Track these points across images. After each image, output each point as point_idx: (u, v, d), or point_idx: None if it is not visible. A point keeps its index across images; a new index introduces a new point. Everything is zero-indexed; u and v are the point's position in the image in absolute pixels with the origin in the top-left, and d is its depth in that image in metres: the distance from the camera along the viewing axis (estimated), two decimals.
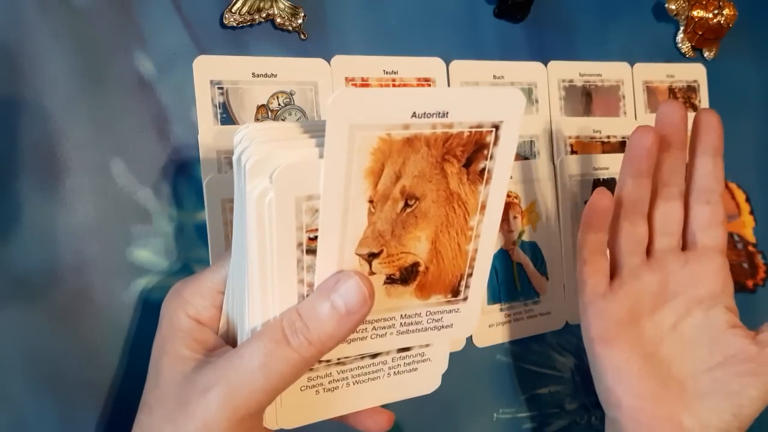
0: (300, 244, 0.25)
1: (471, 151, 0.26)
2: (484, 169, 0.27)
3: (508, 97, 0.26)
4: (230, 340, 0.30)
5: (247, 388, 0.25)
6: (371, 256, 0.27)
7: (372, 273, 0.27)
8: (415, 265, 0.28)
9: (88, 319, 0.33)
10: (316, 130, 0.26)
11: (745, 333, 0.37)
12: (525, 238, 0.45)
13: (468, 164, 0.27)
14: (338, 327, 0.26)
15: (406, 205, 0.26)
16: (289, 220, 0.25)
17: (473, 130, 0.26)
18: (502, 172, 0.27)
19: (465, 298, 0.30)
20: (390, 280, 0.28)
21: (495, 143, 0.26)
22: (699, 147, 0.39)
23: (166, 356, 0.28)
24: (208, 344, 0.29)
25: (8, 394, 0.31)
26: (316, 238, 0.25)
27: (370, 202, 0.26)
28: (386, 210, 0.26)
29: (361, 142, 0.24)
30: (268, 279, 0.26)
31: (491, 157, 0.27)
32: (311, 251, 0.26)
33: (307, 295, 0.27)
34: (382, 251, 0.27)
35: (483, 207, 0.28)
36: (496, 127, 0.26)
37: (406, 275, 0.28)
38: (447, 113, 0.25)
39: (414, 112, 0.24)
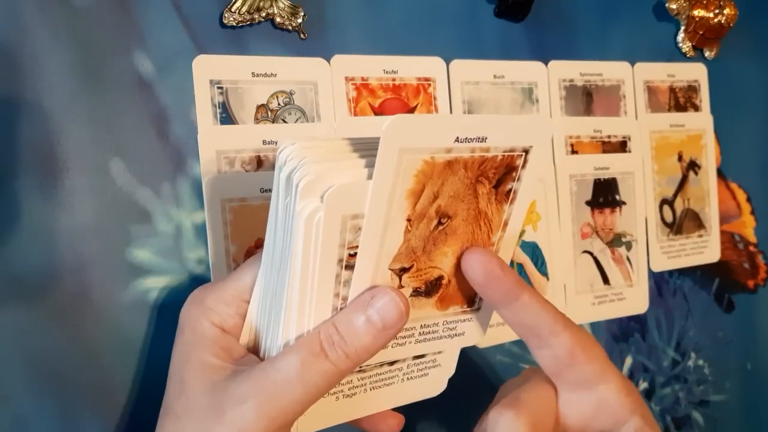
0: (341, 260, 0.26)
1: (502, 173, 0.28)
2: (510, 190, 0.28)
3: (540, 124, 0.28)
4: (252, 349, 0.30)
5: (284, 400, 0.26)
6: (402, 271, 0.28)
7: (401, 286, 0.28)
8: (440, 278, 0.29)
9: (87, 319, 0.33)
10: (362, 148, 0.27)
11: None
12: (525, 238, 0.45)
13: (498, 185, 0.28)
14: (374, 341, 0.27)
15: (439, 223, 0.27)
16: (334, 238, 0.25)
17: (506, 154, 0.27)
18: (526, 193, 0.29)
19: (478, 308, 0.31)
20: (415, 293, 0.29)
21: (524, 166, 0.28)
22: (492, 303, 0.30)
23: (191, 364, 0.28)
24: (234, 353, 0.29)
25: (7, 394, 0.31)
26: (355, 254, 0.26)
27: (408, 220, 0.27)
28: (421, 228, 0.27)
29: (407, 164, 0.25)
30: (307, 293, 0.26)
31: (519, 179, 0.28)
32: (349, 266, 0.26)
33: (341, 309, 0.27)
34: (412, 266, 0.28)
35: (505, 224, 0.29)
36: (526, 151, 0.27)
37: (431, 288, 0.29)
38: (485, 138, 0.26)
39: (457, 137, 0.25)
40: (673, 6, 0.50)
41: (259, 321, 0.29)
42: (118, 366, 0.34)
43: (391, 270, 0.27)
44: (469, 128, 0.26)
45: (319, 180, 0.25)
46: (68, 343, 0.33)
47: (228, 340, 0.29)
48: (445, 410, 0.42)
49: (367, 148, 0.27)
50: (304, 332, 0.27)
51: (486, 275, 0.28)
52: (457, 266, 0.29)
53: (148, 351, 0.30)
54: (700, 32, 0.51)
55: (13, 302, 0.32)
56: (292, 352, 0.26)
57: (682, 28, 0.51)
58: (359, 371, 0.30)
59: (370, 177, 0.25)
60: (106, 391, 0.34)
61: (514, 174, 0.28)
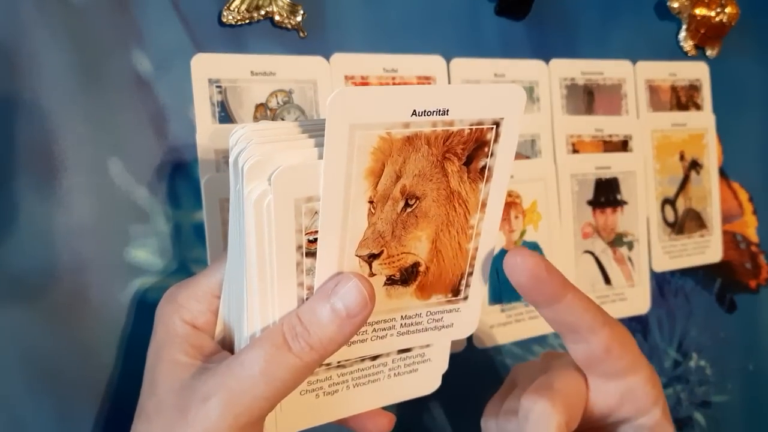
0: (299, 247, 0.25)
1: (471, 149, 0.26)
2: (484, 167, 0.27)
3: (509, 94, 0.26)
4: (227, 345, 0.29)
5: (248, 396, 0.25)
6: (371, 258, 0.26)
7: (372, 274, 0.27)
8: (416, 265, 0.28)
9: (85, 318, 0.33)
10: (314, 129, 0.26)
11: None
12: (526, 237, 0.44)
13: (468, 162, 0.26)
14: (339, 330, 0.26)
15: (407, 204, 0.26)
16: (288, 223, 0.24)
17: (474, 127, 0.25)
18: (503, 170, 0.27)
19: (465, 297, 0.30)
20: (390, 281, 0.28)
21: (496, 140, 0.26)
22: (534, 304, 0.30)
23: (162, 363, 0.28)
24: (205, 350, 0.28)
25: (5, 393, 0.31)
26: (315, 240, 0.25)
27: (370, 202, 0.25)
28: (386, 210, 0.26)
29: (360, 141, 0.23)
30: (267, 283, 0.25)
31: (492, 155, 0.26)
32: (311, 254, 0.25)
33: (307, 299, 0.26)
34: (382, 252, 0.26)
35: (483, 205, 0.28)
36: (497, 124, 0.26)
37: (407, 276, 0.28)
38: (447, 111, 0.24)
39: (414, 110, 0.24)
40: (675, 4, 0.50)
41: (229, 316, 0.29)
42: (115, 366, 0.34)
43: (359, 257, 0.26)
44: (427, 100, 0.24)
45: (266, 161, 0.23)
46: (66, 342, 0.32)
47: (199, 337, 0.28)
48: (445, 411, 0.42)
49: (319, 129, 0.25)
50: (269, 325, 0.26)
51: (532, 279, 0.27)
52: (434, 252, 0.28)
53: (145, 351, 0.29)
54: (702, 31, 0.51)
55: (10, 302, 0.31)
56: (255, 346, 0.26)
57: (684, 26, 0.51)
58: (339, 366, 0.29)
59: (321, 157, 0.23)
60: (104, 391, 0.33)
61: (486, 149, 0.26)
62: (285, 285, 0.26)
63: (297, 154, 0.24)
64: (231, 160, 0.25)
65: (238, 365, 0.25)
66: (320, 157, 0.24)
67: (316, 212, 0.24)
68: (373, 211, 0.25)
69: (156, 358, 0.28)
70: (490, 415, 0.33)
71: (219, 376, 0.25)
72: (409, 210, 0.26)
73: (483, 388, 0.43)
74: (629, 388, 0.30)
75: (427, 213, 0.27)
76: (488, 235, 0.28)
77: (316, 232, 0.25)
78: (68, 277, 0.32)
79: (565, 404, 0.29)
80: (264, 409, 0.25)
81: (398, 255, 0.27)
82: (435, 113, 0.24)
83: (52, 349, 0.32)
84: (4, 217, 0.31)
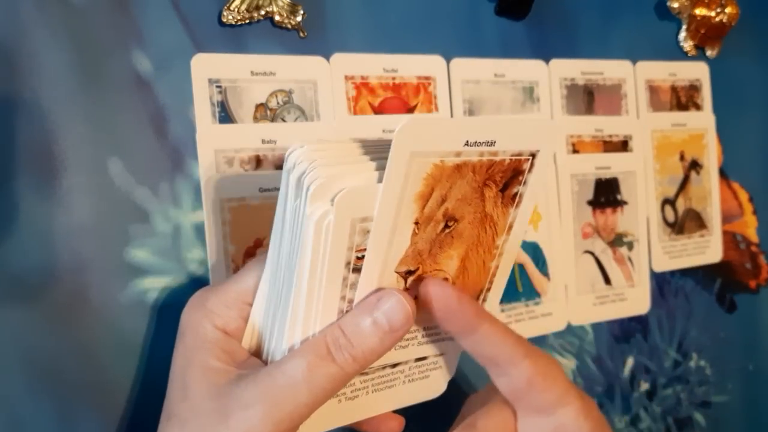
0: (348, 263, 0.26)
1: (509, 177, 0.28)
2: (516, 193, 0.28)
3: (546, 128, 0.28)
4: (255, 352, 0.30)
5: (290, 403, 0.25)
6: (408, 274, 0.28)
7: (407, 289, 0.28)
8: (444, 281, 0.29)
9: (85, 319, 0.33)
10: (372, 151, 0.27)
11: None
12: (526, 238, 0.44)
13: (504, 188, 0.28)
14: (381, 343, 0.27)
15: (446, 226, 0.28)
16: (343, 241, 0.25)
17: (514, 158, 0.27)
18: (531, 196, 0.29)
19: None
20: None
21: (530, 170, 0.28)
22: (452, 334, 0.30)
23: (194, 368, 0.28)
24: (237, 356, 0.28)
25: (5, 394, 0.31)
26: (362, 257, 0.26)
27: (416, 223, 0.27)
28: (428, 231, 0.27)
29: (417, 167, 0.25)
30: (314, 296, 0.26)
31: (525, 183, 0.28)
32: (356, 269, 0.26)
33: (347, 311, 0.27)
34: (418, 269, 0.28)
35: (510, 228, 0.29)
36: (533, 155, 0.28)
37: None
38: (494, 142, 0.26)
39: (467, 141, 0.25)
40: (675, 5, 0.50)
41: (263, 324, 0.29)
42: (116, 366, 0.33)
43: (397, 273, 0.27)
44: (479, 132, 0.26)
45: (329, 183, 0.25)
46: (66, 343, 0.32)
47: (231, 343, 0.29)
48: (445, 412, 0.42)
49: (376, 151, 0.27)
50: (309, 335, 0.27)
51: (442, 309, 0.28)
52: (461, 269, 0.29)
53: (147, 351, 0.29)
54: (702, 31, 0.51)
55: (10, 302, 0.31)
56: (298, 355, 0.26)
57: (684, 26, 0.51)
58: (362, 374, 0.30)
59: (380, 180, 0.25)
60: (104, 392, 0.33)
61: (520, 178, 0.28)
62: (329, 298, 0.27)
63: (358, 178, 0.25)
64: (291, 177, 0.26)
65: (280, 373, 0.26)
66: (379, 180, 0.25)
67: (367, 231, 0.26)
68: (416, 231, 0.27)
69: (186, 363, 0.28)
70: None
71: (261, 384, 0.26)
72: (447, 231, 0.28)
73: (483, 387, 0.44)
74: (560, 423, 0.29)
75: (462, 234, 0.28)
76: (509, 254, 0.30)
77: (365, 249, 0.26)
78: (68, 277, 0.32)
79: None
80: (303, 416, 0.26)
81: (431, 272, 0.28)
82: (484, 144, 0.26)
83: (52, 349, 0.32)
84: (4, 217, 0.31)
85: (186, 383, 0.27)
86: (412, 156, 0.24)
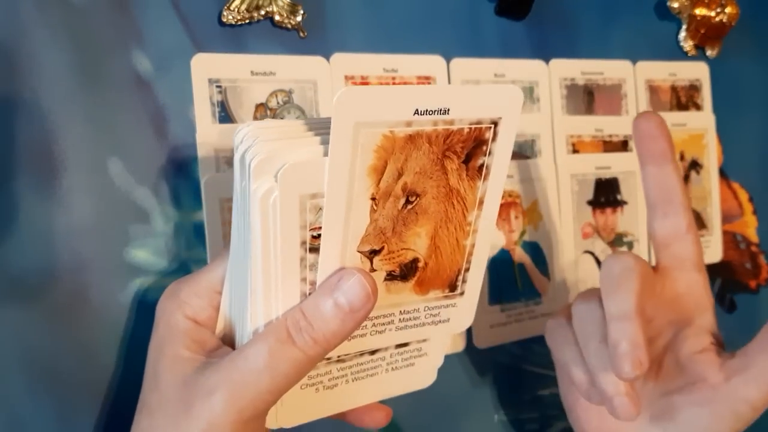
0: (303, 243, 0.25)
1: (470, 148, 0.27)
2: (482, 165, 0.27)
3: (507, 94, 0.26)
4: (228, 341, 0.29)
5: (252, 390, 0.25)
6: (372, 253, 0.27)
7: (373, 270, 0.27)
8: (415, 261, 0.28)
9: (85, 319, 0.33)
10: (318, 127, 0.26)
11: (712, 358, 0.33)
12: (526, 237, 0.44)
13: (467, 160, 0.27)
14: (342, 325, 0.26)
15: (407, 201, 0.27)
16: (294, 219, 0.25)
17: (473, 126, 0.26)
18: (500, 168, 0.28)
19: (462, 293, 0.30)
20: (390, 277, 0.28)
21: (494, 139, 0.27)
22: (643, 158, 0.36)
23: (164, 358, 0.28)
24: (207, 345, 0.28)
25: (4, 394, 0.31)
26: (319, 236, 0.25)
27: (373, 199, 0.26)
28: (388, 207, 0.26)
29: (365, 139, 0.24)
30: (271, 278, 0.26)
31: (490, 153, 0.27)
32: (314, 249, 0.26)
33: (310, 294, 0.27)
34: (383, 248, 0.27)
35: (481, 202, 0.28)
36: (495, 123, 0.26)
37: (406, 271, 0.28)
38: (448, 110, 0.25)
39: (416, 110, 0.24)
40: (675, 4, 0.50)
41: (231, 311, 0.29)
42: (115, 366, 0.34)
43: (361, 252, 0.27)
44: (429, 100, 0.24)
45: (272, 159, 0.24)
46: (66, 343, 0.32)
47: (201, 332, 0.29)
48: (445, 412, 0.42)
49: (324, 126, 0.25)
50: (272, 320, 0.26)
51: (658, 125, 0.34)
52: (432, 247, 0.28)
53: (146, 351, 0.29)
54: (702, 31, 0.51)
55: (10, 302, 0.31)
56: (259, 340, 0.26)
57: (684, 26, 0.51)
58: (338, 361, 0.30)
59: (326, 154, 0.24)
60: (103, 391, 0.33)
61: (484, 148, 0.27)
62: (288, 280, 0.26)
63: (302, 152, 0.24)
64: (237, 157, 0.25)
65: (242, 359, 0.26)
66: (325, 154, 0.24)
67: (320, 209, 0.25)
68: (375, 207, 0.26)
69: (158, 354, 0.28)
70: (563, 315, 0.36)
71: (223, 371, 0.26)
72: (409, 207, 0.27)
73: (483, 388, 0.44)
74: (693, 281, 0.34)
75: (426, 210, 0.27)
76: (485, 231, 0.29)
77: (320, 228, 0.25)
78: (68, 277, 0.32)
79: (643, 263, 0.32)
80: (267, 402, 0.26)
81: (398, 251, 0.27)
82: (436, 112, 0.25)
83: (52, 349, 0.32)
84: (4, 217, 0.31)
85: (157, 373, 0.28)
86: (357, 126, 0.23)
